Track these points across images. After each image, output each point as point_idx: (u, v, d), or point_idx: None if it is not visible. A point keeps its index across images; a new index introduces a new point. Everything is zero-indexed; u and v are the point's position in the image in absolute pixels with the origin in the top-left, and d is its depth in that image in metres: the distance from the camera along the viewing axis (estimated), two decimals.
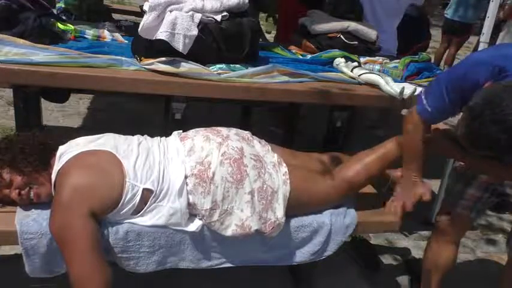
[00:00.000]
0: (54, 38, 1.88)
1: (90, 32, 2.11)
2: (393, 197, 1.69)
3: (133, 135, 1.55)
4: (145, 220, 1.38)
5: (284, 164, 1.57)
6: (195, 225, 1.42)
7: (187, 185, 1.39)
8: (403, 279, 2.16)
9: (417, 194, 1.62)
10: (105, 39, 2.14)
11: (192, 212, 1.42)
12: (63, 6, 2.64)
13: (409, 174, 1.62)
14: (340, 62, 2.21)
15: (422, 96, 1.50)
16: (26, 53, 1.65)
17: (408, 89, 2.05)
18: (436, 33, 4.36)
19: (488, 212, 2.96)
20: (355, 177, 1.63)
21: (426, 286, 1.85)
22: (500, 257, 2.50)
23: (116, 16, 3.31)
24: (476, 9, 5.51)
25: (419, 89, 2.03)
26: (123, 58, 1.78)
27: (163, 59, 1.74)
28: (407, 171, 1.63)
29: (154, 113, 2.94)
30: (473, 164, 1.57)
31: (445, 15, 5.82)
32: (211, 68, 1.81)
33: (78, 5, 2.61)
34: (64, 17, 2.18)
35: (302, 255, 1.61)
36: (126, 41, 2.12)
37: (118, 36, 2.21)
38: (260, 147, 1.59)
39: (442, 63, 6.01)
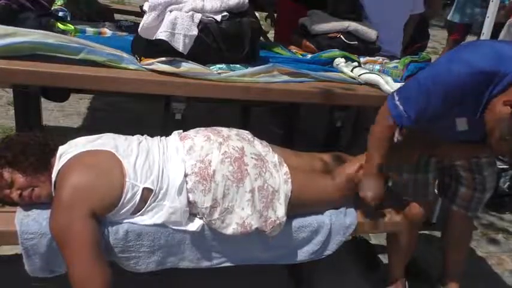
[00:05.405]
0: None
1: (90, 30, 2.11)
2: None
3: (133, 135, 1.55)
4: (145, 219, 1.38)
5: (285, 164, 1.57)
6: (195, 225, 1.42)
7: (186, 183, 1.39)
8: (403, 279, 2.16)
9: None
10: (106, 35, 2.14)
11: (192, 210, 1.42)
12: (63, 7, 2.64)
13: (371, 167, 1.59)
14: (340, 62, 2.21)
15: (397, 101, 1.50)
16: (16, 32, 1.57)
17: None
18: (436, 33, 4.32)
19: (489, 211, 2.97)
20: (356, 179, 1.63)
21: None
22: (501, 257, 2.50)
23: (116, 16, 3.31)
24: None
25: None
26: (124, 54, 1.77)
27: (163, 59, 1.73)
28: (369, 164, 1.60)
29: (154, 113, 2.93)
30: (445, 153, 1.69)
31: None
32: (211, 68, 1.81)
33: (79, 6, 2.61)
34: (61, 15, 2.16)
35: (302, 254, 1.62)
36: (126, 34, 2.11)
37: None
38: (261, 147, 1.59)
39: None
